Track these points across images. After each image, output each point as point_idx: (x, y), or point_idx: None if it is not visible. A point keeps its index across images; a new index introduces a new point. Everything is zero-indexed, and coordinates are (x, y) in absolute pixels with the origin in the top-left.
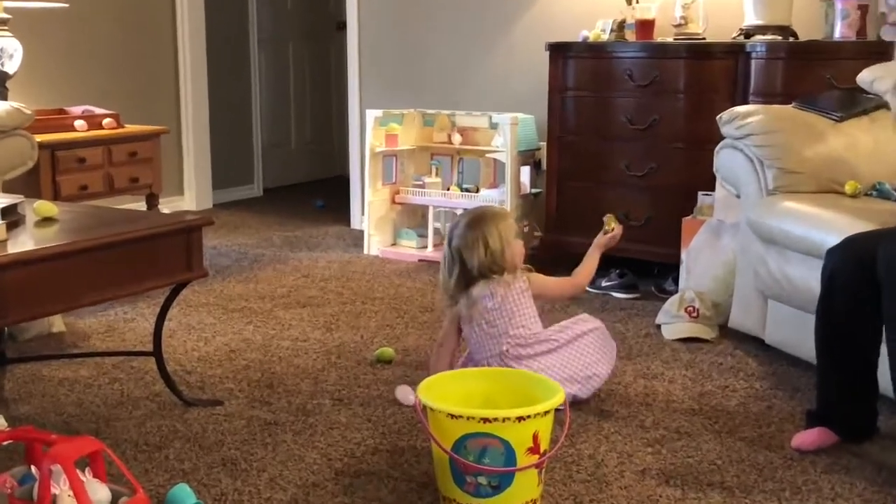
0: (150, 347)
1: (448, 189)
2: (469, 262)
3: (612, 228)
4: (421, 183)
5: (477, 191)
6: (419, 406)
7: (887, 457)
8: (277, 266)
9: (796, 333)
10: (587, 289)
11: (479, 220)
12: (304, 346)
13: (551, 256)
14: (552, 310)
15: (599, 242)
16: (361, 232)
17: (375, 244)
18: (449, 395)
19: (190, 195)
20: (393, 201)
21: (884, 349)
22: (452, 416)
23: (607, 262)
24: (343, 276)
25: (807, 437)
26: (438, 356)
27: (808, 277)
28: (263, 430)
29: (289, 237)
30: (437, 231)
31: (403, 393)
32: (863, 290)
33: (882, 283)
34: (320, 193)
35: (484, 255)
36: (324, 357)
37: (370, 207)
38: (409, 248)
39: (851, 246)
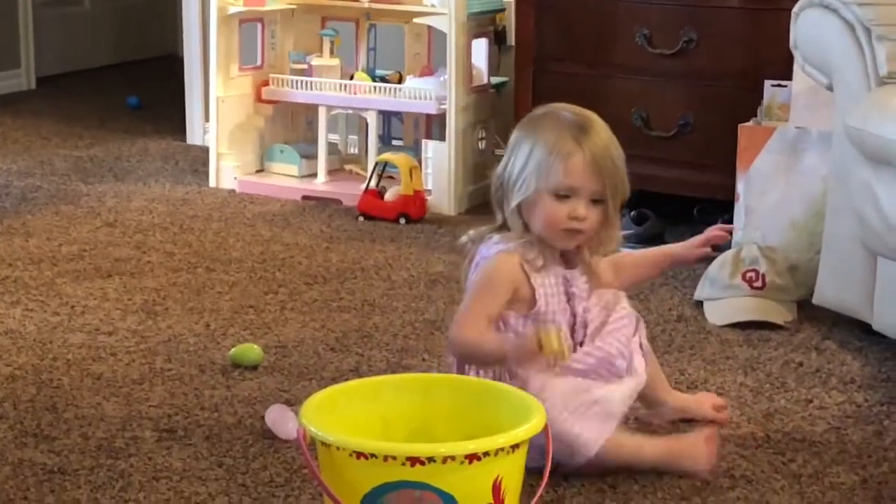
0: None
1: (351, 77)
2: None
3: (556, 350)
4: (305, 66)
5: (399, 80)
6: (304, 439)
7: None
8: (62, 208)
9: None
10: None
11: (541, 117)
12: (108, 343)
13: None
14: None
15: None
16: (205, 150)
17: (230, 171)
18: (355, 419)
19: None
20: (258, 98)
21: None
22: (360, 454)
23: None
24: (175, 224)
25: None
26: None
27: None
28: (41, 482)
29: (81, 159)
30: (333, 148)
31: (278, 417)
32: None
33: None
34: (134, 86)
35: (496, 183)
36: (142, 360)
37: (220, 109)
38: (287, 178)
39: None
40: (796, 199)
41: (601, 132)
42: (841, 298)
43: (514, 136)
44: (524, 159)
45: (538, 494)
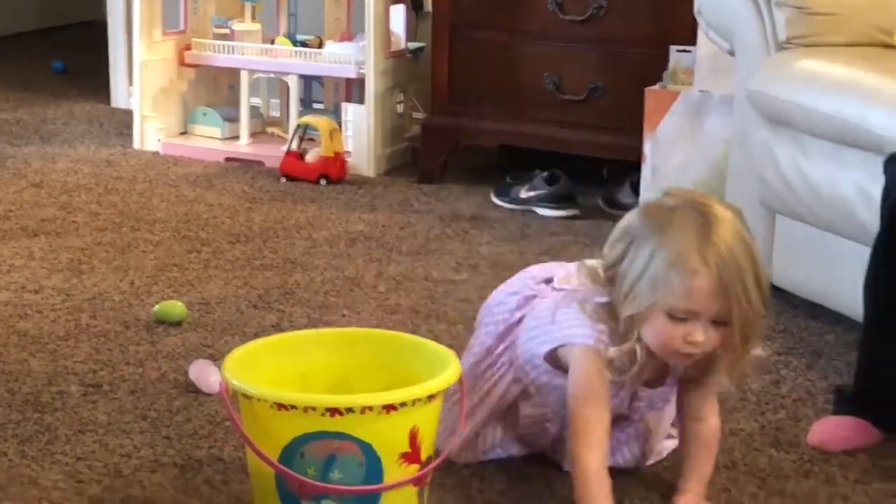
0: None
1: (273, 42)
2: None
3: None
4: (227, 31)
5: (319, 45)
6: (226, 392)
7: None
8: None
9: (820, 269)
10: (497, 202)
11: (667, 213)
12: (34, 301)
13: (440, 149)
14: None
15: None
16: (129, 113)
17: (153, 133)
18: (276, 373)
19: None
20: (181, 62)
21: None
22: (281, 406)
23: (530, 162)
24: (100, 185)
25: (834, 431)
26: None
27: (840, 181)
28: None
29: (6, 122)
30: (255, 111)
31: (201, 371)
32: None
33: None
34: (59, 50)
35: (607, 269)
36: (68, 317)
37: (143, 72)
38: (210, 140)
39: None
40: (699, 159)
41: (730, 240)
42: None
43: (637, 224)
44: (641, 266)
45: (457, 440)
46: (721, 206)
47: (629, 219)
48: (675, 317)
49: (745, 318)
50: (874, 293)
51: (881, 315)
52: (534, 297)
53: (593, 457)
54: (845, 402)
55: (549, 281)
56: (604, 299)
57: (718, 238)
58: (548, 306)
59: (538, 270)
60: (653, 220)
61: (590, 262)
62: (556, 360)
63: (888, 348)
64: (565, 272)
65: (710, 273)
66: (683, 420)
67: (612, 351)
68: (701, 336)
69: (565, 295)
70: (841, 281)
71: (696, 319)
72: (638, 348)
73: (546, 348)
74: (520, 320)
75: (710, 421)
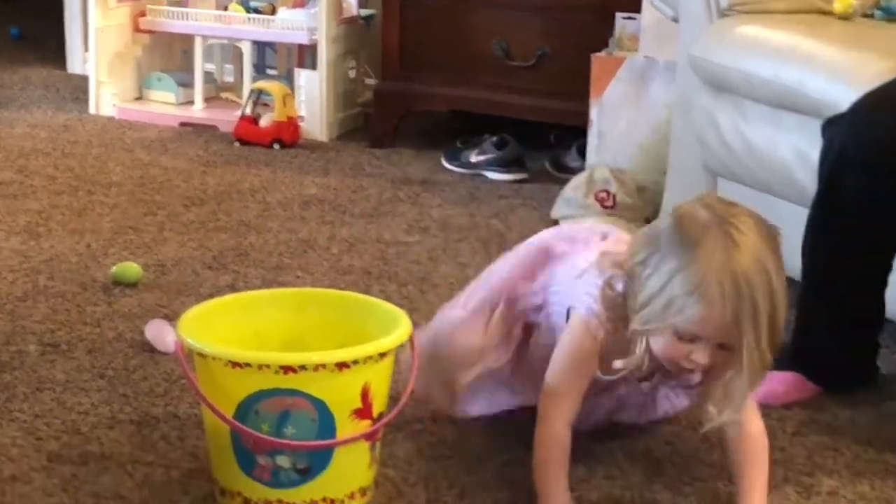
0: None
1: (226, 8)
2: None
3: None
4: None
5: (272, 11)
6: (182, 351)
7: (888, 409)
8: None
9: None
10: (447, 166)
11: (700, 232)
12: None
13: (391, 114)
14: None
15: None
16: (85, 79)
17: (109, 98)
18: (230, 332)
19: None
20: (136, 28)
21: None
22: (236, 364)
23: (479, 127)
24: (56, 149)
25: (774, 386)
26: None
27: (779, 144)
28: None
29: None
30: (209, 77)
31: (157, 331)
32: (886, 182)
33: None
34: (15, 17)
35: (630, 269)
36: (25, 279)
37: (98, 38)
38: (165, 105)
39: (874, 112)
40: (644, 124)
41: (754, 277)
42: None
43: (666, 234)
44: (659, 284)
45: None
46: (755, 232)
47: (662, 223)
48: (682, 337)
49: (750, 356)
50: (811, 254)
51: (817, 275)
52: (585, 241)
53: (561, 423)
54: (784, 359)
55: (605, 237)
56: (620, 287)
57: (742, 271)
58: (584, 261)
59: (601, 227)
60: (681, 237)
61: (621, 245)
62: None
63: (823, 308)
64: (618, 238)
65: (725, 308)
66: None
67: (618, 363)
68: (704, 359)
69: (599, 260)
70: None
71: (701, 342)
72: (646, 360)
73: (560, 298)
74: (562, 255)
75: (748, 427)
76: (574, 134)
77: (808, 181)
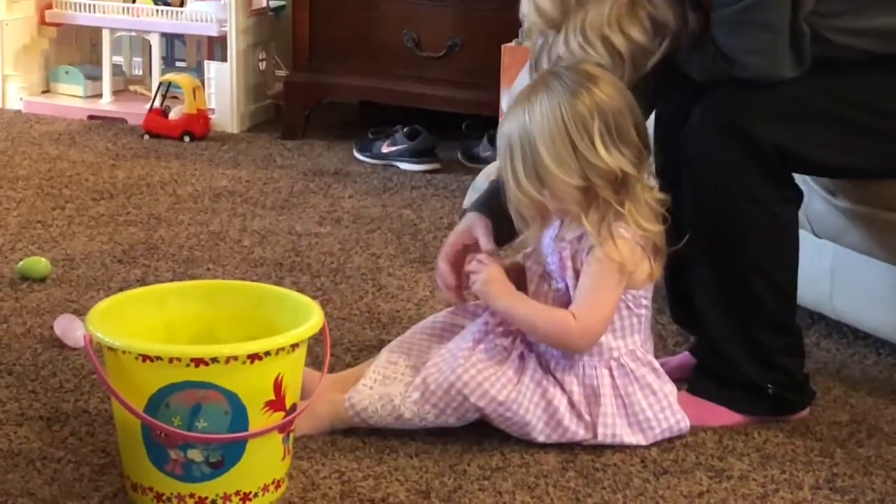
0: None
1: (134, 0)
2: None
3: None
4: None
5: (181, 3)
6: (91, 345)
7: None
8: None
9: None
10: (359, 157)
11: (545, 80)
12: None
13: (302, 105)
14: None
15: None
16: None
17: (16, 92)
18: (141, 326)
19: None
20: (42, 21)
21: None
22: (146, 357)
23: (391, 118)
24: None
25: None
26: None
27: None
28: None
29: None
30: (117, 69)
31: (66, 326)
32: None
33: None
34: None
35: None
36: None
37: (4, 31)
38: (73, 98)
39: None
40: None
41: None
42: None
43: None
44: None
45: (321, 379)
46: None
47: None
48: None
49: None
50: None
51: None
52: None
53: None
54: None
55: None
56: None
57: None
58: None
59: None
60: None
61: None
62: None
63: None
64: None
65: None
66: None
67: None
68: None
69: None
70: None
71: None
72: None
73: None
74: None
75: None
76: (485, 124)
77: None
